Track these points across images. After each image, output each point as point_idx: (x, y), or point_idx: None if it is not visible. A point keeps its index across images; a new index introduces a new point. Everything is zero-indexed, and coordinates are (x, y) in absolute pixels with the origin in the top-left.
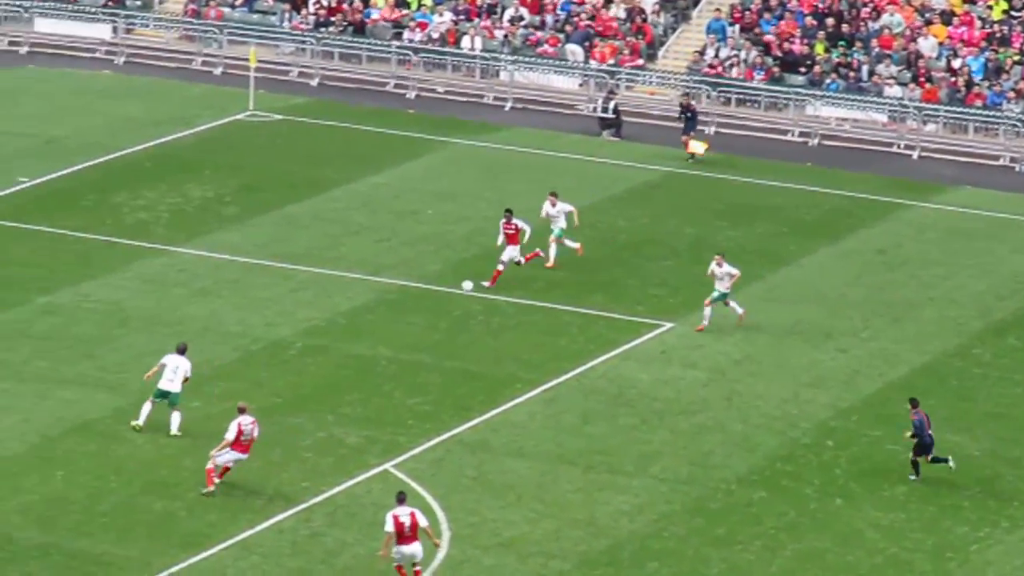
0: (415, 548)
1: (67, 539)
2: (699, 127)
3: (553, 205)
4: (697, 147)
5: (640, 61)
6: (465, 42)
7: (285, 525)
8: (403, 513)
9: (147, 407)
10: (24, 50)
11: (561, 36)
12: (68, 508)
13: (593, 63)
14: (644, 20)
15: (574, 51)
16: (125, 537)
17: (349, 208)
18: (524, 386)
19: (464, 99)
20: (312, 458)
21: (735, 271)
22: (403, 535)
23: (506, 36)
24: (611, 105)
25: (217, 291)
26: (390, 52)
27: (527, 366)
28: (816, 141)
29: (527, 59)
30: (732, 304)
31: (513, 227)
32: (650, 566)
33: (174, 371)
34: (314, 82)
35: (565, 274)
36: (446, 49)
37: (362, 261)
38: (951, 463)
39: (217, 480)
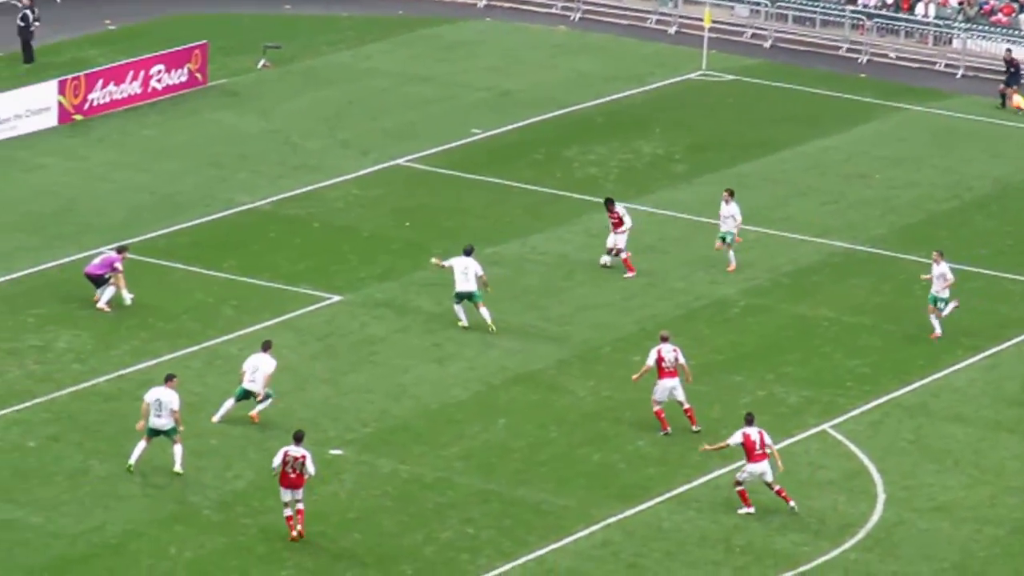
0: (764, 466)
1: (507, 486)
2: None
3: (726, 203)
4: (1020, 100)
5: None
6: (919, 8)
7: (721, 481)
8: (754, 432)
9: (458, 310)
10: (482, 4)
11: (1015, 5)
12: (509, 456)
13: None
14: None
15: None
16: (564, 487)
17: (797, 170)
18: (965, 352)
19: (915, 65)
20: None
21: (949, 274)
22: (753, 453)
23: (960, 3)
24: None
25: (663, 247)
26: (843, 16)
27: (969, 332)
28: None
29: (980, 27)
30: (947, 308)
31: (616, 215)
32: None
33: (464, 272)
34: (767, 44)
35: (1010, 241)
36: (899, 15)
37: (808, 223)
38: None
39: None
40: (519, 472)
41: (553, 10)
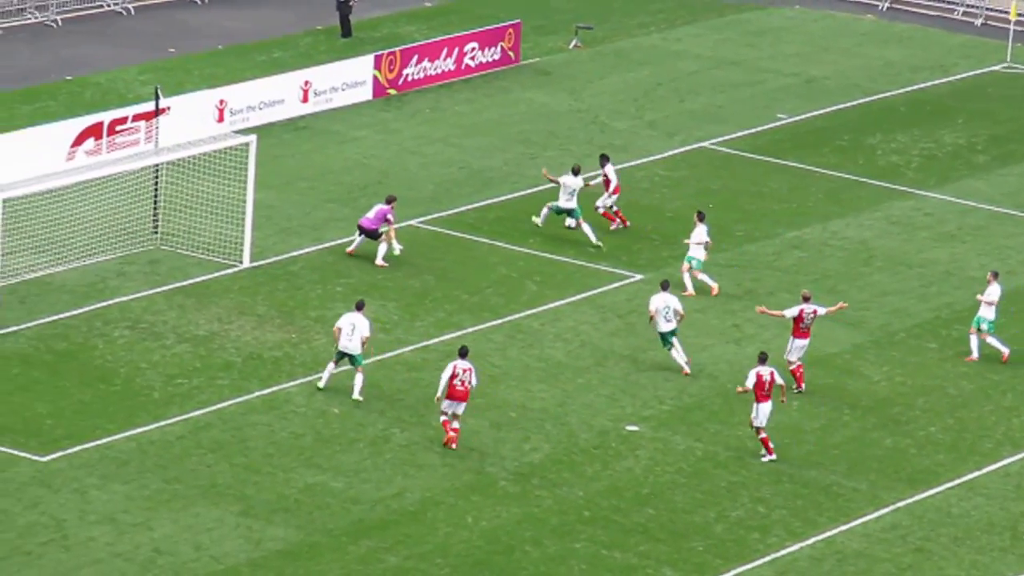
0: (766, 409)
1: (799, 468)
2: None
3: (696, 226)
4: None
5: None
6: None
7: (1011, 469)
8: (765, 372)
9: (544, 212)
10: None
11: None
12: (802, 438)
13: None
14: None
15: None
16: (855, 470)
17: None
18: None
19: None
20: None
21: (994, 297)
22: (762, 392)
23: None
24: None
25: (961, 237)
26: None
27: None
28: None
29: None
30: (993, 341)
31: (603, 175)
32: None
33: (570, 193)
34: None
35: None
36: None
37: None
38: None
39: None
40: (811, 454)
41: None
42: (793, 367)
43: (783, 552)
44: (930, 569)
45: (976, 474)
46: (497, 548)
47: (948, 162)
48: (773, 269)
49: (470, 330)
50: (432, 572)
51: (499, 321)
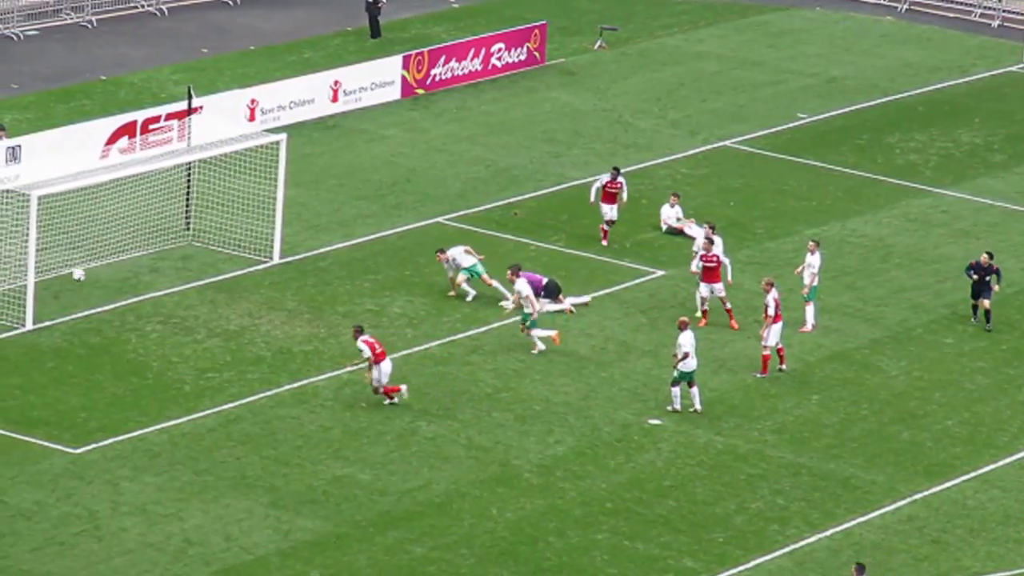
0: (387, 367)
1: (817, 460)
2: None
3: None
4: None
5: None
6: None
7: None
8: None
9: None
10: None
11: None
12: (821, 431)
13: None
14: None
15: None
16: (873, 463)
17: None
18: None
19: None
20: None
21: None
22: (376, 351)
23: None
24: None
25: (976, 233)
26: None
27: None
28: None
29: None
30: (809, 308)
31: (617, 186)
32: None
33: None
34: None
35: None
36: None
37: None
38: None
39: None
40: (830, 447)
41: (881, 1)
42: (779, 347)
43: (802, 543)
44: (946, 560)
45: (992, 467)
46: (521, 539)
47: (965, 161)
48: (793, 266)
49: (496, 325)
50: (457, 563)
51: None
